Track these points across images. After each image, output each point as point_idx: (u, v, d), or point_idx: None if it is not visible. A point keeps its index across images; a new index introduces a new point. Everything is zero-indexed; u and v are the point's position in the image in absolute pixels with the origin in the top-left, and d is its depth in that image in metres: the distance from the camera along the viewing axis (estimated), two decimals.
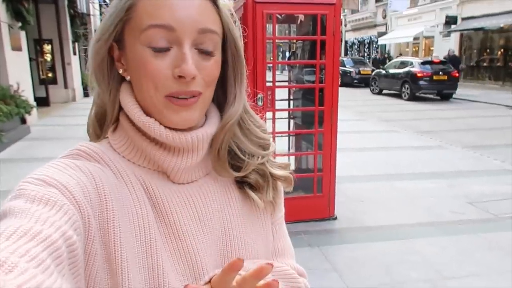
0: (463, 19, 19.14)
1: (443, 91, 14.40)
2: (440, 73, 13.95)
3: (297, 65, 4.61)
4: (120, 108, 0.61)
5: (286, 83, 4.79)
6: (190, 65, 0.53)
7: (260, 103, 3.27)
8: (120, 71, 0.60)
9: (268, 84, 3.54)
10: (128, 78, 0.60)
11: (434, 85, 14.13)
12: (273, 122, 3.53)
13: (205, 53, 0.57)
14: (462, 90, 15.46)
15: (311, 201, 3.82)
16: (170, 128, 0.57)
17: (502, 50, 18.72)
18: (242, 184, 0.67)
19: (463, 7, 19.01)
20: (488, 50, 19.26)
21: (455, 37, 20.24)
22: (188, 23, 0.54)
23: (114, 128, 0.62)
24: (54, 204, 0.43)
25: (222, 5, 0.58)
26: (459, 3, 19.10)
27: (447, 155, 6.46)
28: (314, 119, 3.65)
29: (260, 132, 0.67)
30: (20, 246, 0.36)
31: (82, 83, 13.82)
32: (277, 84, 3.96)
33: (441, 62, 14.60)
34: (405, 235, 3.65)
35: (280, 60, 20.01)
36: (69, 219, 0.43)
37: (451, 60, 15.65)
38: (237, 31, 0.61)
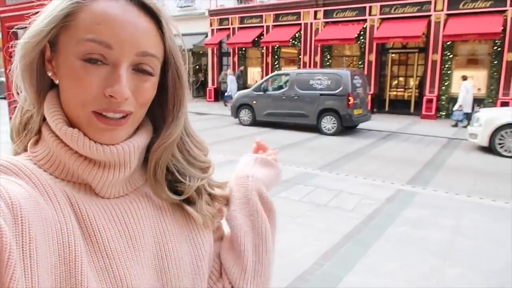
0: None
1: None
2: None
3: None
4: (44, 118, 0.56)
5: None
6: (124, 87, 0.51)
7: None
8: (49, 74, 0.55)
9: None
10: (57, 82, 0.55)
11: None
12: None
13: (143, 75, 0.55)
14: None
15: None
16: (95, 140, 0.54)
17: None
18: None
19: None
20: None
21: None
22: (128, 44, 0.52)
23: (36, 141, 0.57)
24: None
25: (166, 29, 0.57)
26: None
27: None
28: None
29: (202, 156, 0.67)
30: None
31: None
32: None
33: None
34: None
35: None
36: None
37: None
38: (179, 56, 0.60)
